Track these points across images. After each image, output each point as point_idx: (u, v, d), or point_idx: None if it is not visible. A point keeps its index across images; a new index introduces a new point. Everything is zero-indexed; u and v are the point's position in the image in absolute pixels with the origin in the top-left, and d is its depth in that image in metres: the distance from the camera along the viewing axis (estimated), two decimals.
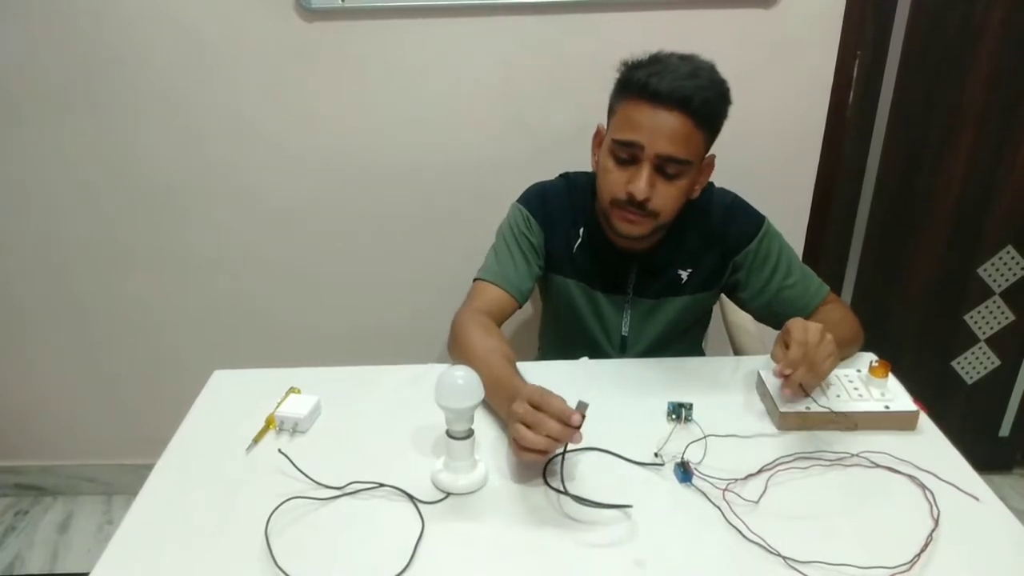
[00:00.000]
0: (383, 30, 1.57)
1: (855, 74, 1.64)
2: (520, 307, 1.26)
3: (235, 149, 1.69)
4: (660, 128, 1.06)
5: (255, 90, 1.63)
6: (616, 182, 1.12)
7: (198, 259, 1.81)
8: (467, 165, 1.70)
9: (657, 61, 1.09)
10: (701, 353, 1.43)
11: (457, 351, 1.15)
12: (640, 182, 1.08)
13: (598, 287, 1.28)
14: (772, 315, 1.27)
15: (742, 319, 1.48)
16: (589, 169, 1.31)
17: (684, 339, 1.37)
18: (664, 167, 1.09)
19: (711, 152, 1.16)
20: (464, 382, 0.89)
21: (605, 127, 1.18)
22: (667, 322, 1.29)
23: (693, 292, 1.27)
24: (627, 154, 1.10)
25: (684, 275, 1.26)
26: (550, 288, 1.34)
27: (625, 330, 1.30)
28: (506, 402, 0.97)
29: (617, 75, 1.14)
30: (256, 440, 1.02)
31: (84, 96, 1.63)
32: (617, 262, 1.25)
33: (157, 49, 1.59)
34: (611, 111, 1.15)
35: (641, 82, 1.07)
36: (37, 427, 2.04)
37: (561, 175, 1.33)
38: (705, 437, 1.00)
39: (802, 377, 0.98)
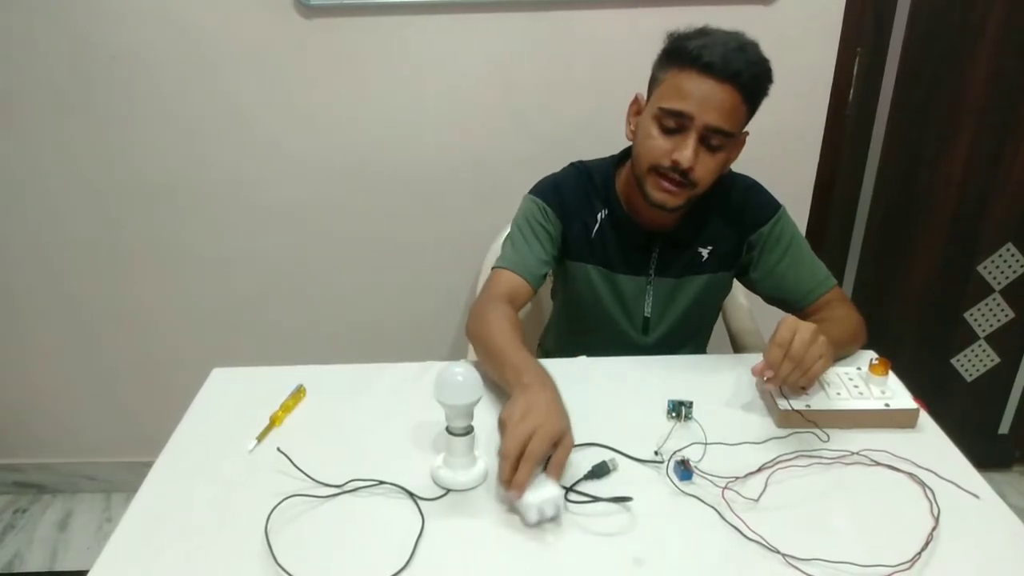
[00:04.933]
0: (382, 27, 1.57)
1: (855, 71, 1.64)
2: (535, 292, 1.27)
3: (234, 147, 1.69)
4: (710, 99, 1.07)
5: (254, 88, 1.63)
6: (659, 148, 1.12)
7: (197, 257, 1.81)
8: (465, 162, 1.70)
9: (706, 34, 1.11)
10: (705, 342, 1.44)
11: (475, 335, 1.15)
12: (687, 151, 1.09)
13: (619, 269, 1.28)
14: (778, 298, 1.29)
15: (736, 295, 1.49)
16: (603, 157, 1.31)
17: (702, 322, 1.38)
18: (709, 138, 1.10)
19: (746, 128, 1.17)
20: (463, 379, 0.89)
21: (644, 97, 1.19)
22: (689, 301, 1.30)
23: (713, 270, 1.28)
24: (675, 123, 1.10)
25: (704, 253, 1.27)
26: (568, 277, 1.33)
27: (648, 311, 1.30)
28: (521, 376, 0.98)
29: (664, 44, 1.15)
30: (260, 439, 1.02)
31: (84, 96, 1.63)
32: (640, 241, 1.26)
33: (156, 47, 1.59)
34: (656, 80, 1.16)
35: (694, 53, 1.08)
36: (36, 425, 2.04)
37: (571, 164, 1.34)
38: (705, 436, 1.00)
39: (787, 377, 0.99)
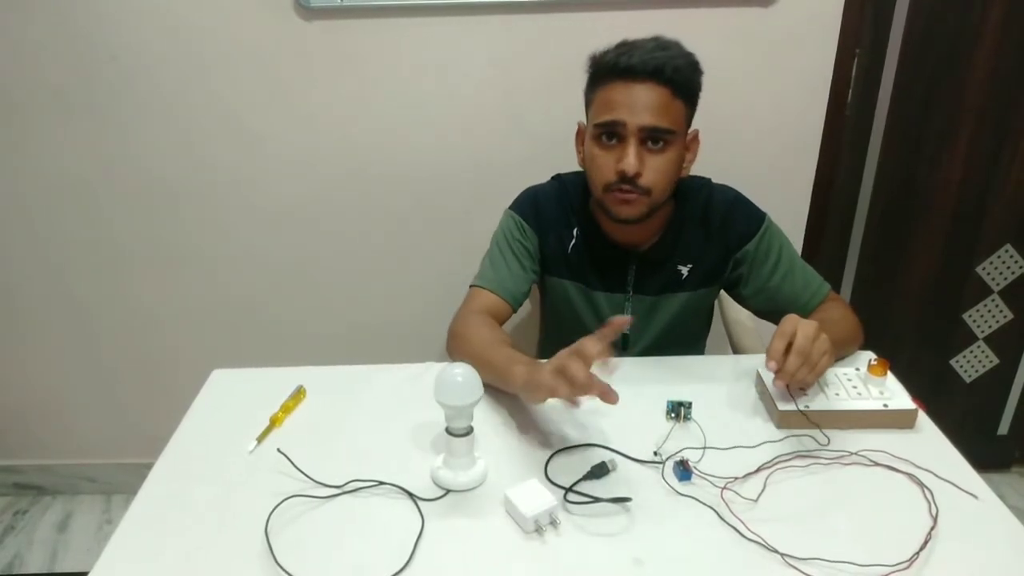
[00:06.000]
0: (382, 29, 1.57)
1: (854, 72, 1.64)
2: (514, 312, 1.27)
3: (233, 148, 1.69)
4: (638, 101, 1.08)
5: (254, 89, 1.63)
6: (605, 165, 1.13)
7: (197, 258, 1.81)
8: (465, 164, 1.71)
9: (624, 43, 1.12)
10: (701, 352, 1.43)
11: (457, 349, 1.16)
12: (629, 157, 1.09)
13: (597, 287, 1.28)
14: (773, 312, 1.26)
15: (741, 316, 1.48)
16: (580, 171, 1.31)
17: (686, 337, 1.36)
18: (649, 140, 1.10)
19: (694, 127, 1.17)
20: (463, 379, 0.89)
21: (585, 124, 1.19)
22: (668, 319, 1.29)
23: (694, 288, 1.27)
24: (612, 135, 1.11)
25: (684, 271, 1.26)
26: (547, 291, 1.34)
27: (626, 328, 1.30)
28: (521, 372, 1.00)
29: (587, 71, 1.16)
30: (260, 440, 1.02)
31: (84, 96, 1.63)
32: (616, 259, 1.26)
33: (156, 48, 1.59)
34: (588, 104, 1.17)
35: (611, 63, 1.09)
36: (36, 426, 2.04)
37: (553, 177, 1.33)
38: (704, 437, 1.01)
39: (793, 371, 0.97)
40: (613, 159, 1.11)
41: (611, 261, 1.26)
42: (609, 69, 1.10)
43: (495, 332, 1.16)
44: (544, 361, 1.00)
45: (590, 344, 0.89)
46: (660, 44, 1.09)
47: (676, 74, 1.08)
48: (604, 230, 1.24)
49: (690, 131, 1.16)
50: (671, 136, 1.11)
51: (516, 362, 1.03)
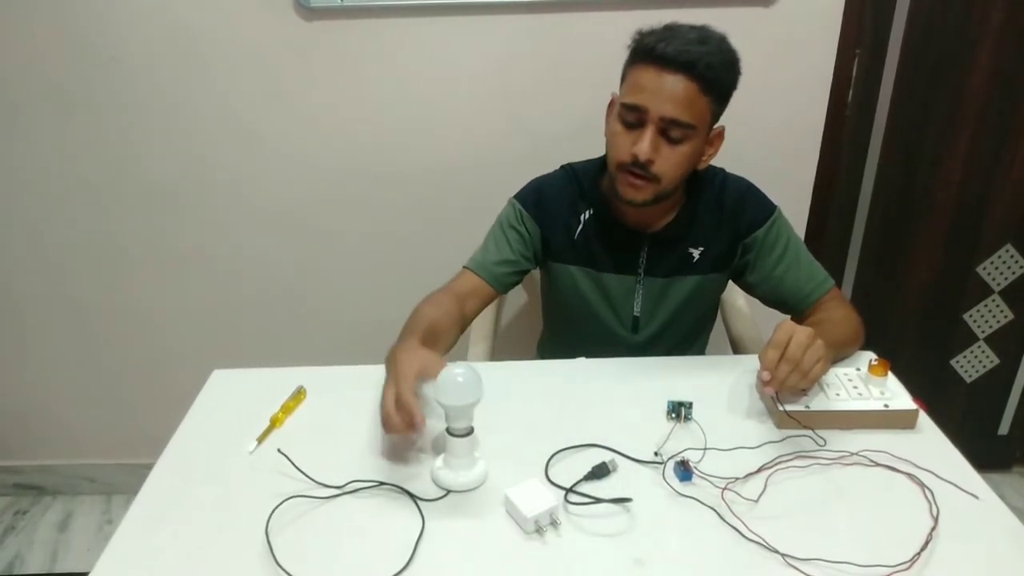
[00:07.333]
0: (382, 29, 1.57)
1: (854, 72, 1.64)
2: (498, 295, 1.30)
3: (234, 148, 1.69)
4: (664, 91, 1.08)
5: (254, 89, 1.63)
6: (622, 145, 1.13)
7: (197, 258, 1.81)
8: (466, 164, 1.70)
9: (669, 29, 1.11)
10: (705, 344, 1.44)
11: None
12: (644, 144, 1.10)
13: (606, 268, 1.28)
14: (777, 301, 1.29)
15: (737, 301, 1.50)
16: (592, 159, 1.32)
17: (693, 324, 1.37)
18: (668, 131, 1.10)
19: (720, 124, 1.17)
20: (464, 379, 0.89)
21: (618, 95, 1.19)
22: (680, 301, 1.29)
23: (705, 271, 1.28)
24: (634, 118, 1.11)
25: (696, 253, 1.27)
26: (553, 278, 1.34)
27: (637, 310, 1.30)
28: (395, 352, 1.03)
29: (630, 43, 1.15)
30: (260, 440, 1.02)
31: (84, 96, 1.63)
32: (628, 241, 1.26)
33: (156, 49, 1.59)
34: (622, 78, 1.17)
35: (649, 47, 1.09)
36: (37, 426, 2.04)
37: (562, 167, 1.34)
38: (705, 437, 1.01)
39: (785, 378, 0.98)
40: (630, 141, 1.12)
41: (623, 242, 1.27)
42: (646, 52, 1.10)
43: (427, 320, 1.17)
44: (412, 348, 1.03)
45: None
46: (701, 37, 1.09)
47: (708, 70, 1.07)
48: (617, 211, 1.25)
49: (716, 127, 1.17)
50: (691, 131, 1.11)
51: (401, 341, 1.08)
